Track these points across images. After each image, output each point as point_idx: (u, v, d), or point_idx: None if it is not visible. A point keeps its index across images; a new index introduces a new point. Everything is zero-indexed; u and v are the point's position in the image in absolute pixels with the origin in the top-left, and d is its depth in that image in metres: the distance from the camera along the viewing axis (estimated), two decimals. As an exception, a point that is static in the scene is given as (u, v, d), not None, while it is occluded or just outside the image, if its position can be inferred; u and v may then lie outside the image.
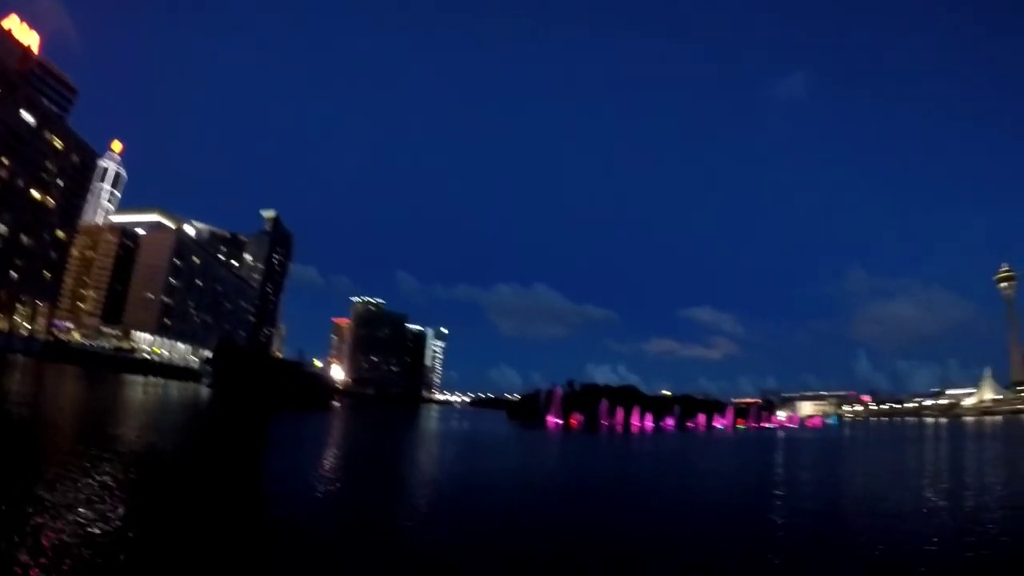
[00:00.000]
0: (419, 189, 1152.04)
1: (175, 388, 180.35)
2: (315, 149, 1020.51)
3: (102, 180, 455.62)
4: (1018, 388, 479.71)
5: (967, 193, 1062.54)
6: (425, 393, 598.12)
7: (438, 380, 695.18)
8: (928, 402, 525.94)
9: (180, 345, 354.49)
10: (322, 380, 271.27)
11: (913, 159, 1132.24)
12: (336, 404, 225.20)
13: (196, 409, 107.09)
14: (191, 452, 46.45)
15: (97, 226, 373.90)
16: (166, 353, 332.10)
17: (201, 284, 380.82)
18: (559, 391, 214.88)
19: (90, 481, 27.81)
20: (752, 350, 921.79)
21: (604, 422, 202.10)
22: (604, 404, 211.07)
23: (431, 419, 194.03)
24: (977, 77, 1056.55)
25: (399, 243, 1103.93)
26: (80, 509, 22.52)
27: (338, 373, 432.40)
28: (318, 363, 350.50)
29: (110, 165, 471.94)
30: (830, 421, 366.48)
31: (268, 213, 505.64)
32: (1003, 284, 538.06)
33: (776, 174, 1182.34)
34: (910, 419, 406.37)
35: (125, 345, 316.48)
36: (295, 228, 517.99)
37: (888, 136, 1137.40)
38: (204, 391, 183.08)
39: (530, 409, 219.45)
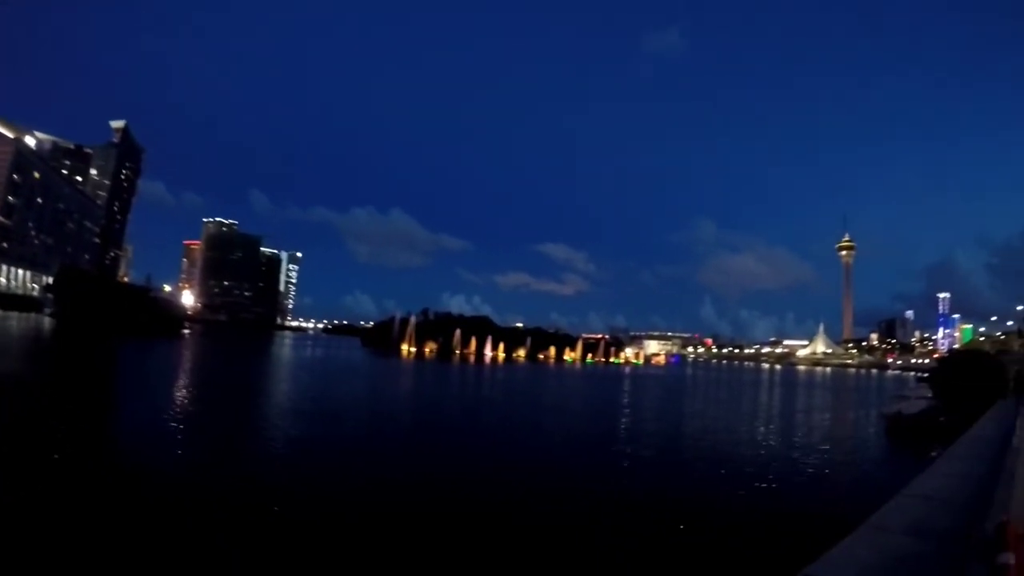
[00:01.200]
0: (274, 105, 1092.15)
1: (14, 320, 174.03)
2: (169, 58, 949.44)
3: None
4: (847, 344, 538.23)
5: (818, 165, 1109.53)
6: (279, 319, 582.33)
7: (292, 306, 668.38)
8: (766, 349, 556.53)
9: (19, 272, 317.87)
10: (171, 306, 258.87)
11: (775, 126, 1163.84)
12: (187, 331, 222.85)
13: (37, 343, 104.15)
14: (28, 394, 43.55)
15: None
16: (3, 280, 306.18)
17: (42, 202, 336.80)
18: (413, 319, 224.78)
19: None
20: (603, 288, 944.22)
21: (457, 351, 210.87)
22: (458, 334, 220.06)
23: (285, 346, 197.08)
24: (849, 49, 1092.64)
25: (253, 160, 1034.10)
26: None
27: (188, 299, 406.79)
28: (167, 288, 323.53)
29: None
30: (673, 360, 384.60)
31: (117, 124, 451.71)
32: (843, 252, 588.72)
33: (642, 122, 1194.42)
34: (749, 364, 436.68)
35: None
36: (144, 141, 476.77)
37: (754, 100, 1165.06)
38: (46, 321, 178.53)
39: (384, 337, 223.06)
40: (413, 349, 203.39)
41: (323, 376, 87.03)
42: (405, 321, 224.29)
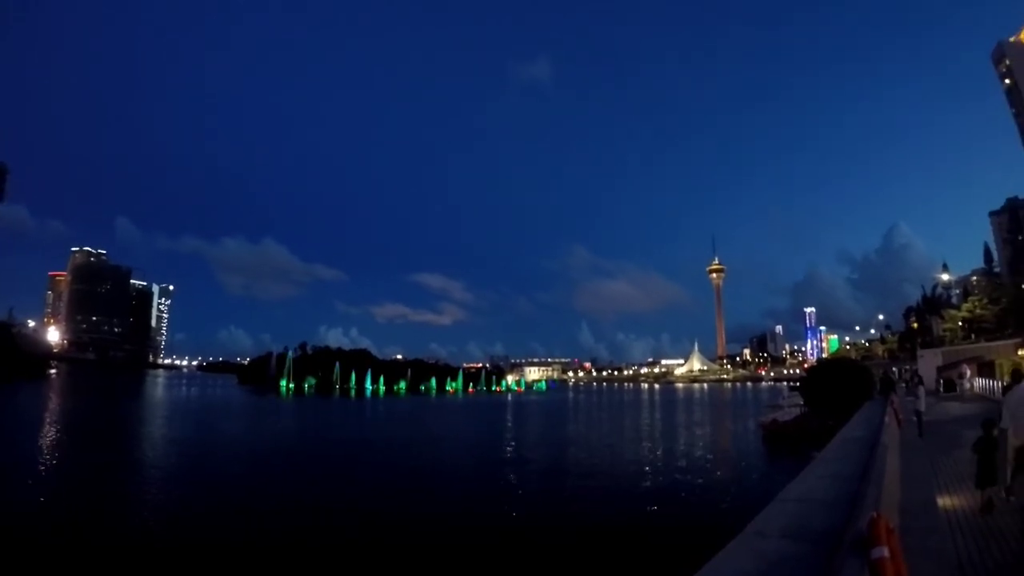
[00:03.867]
0: (140, 127, 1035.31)
1: None
2: (30, 71, 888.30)
3: None
4: (722, 360, 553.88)
5: (686, 190, 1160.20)
6: (151, 357, 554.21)
7: (164, 342, 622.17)
8: (644, 370, 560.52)
9: None
10: (35, 344, 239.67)
11: (642, 152, 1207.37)
12: (52, 372, 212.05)
13: None
14: None
15: None
16: None
17: None
18: (291, 354, 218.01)
19: None
20: (481, 317, 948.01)
21: (338, 386, 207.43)
22: (337, 367, 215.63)
23: (158, 386, 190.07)
24: (711, 75, 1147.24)
25: (120, 185, 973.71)
26: None
27: (54, 336, 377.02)
28: (31, 324, 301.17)
29: None
30: (552, 385, 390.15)
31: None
32: (713, 275, 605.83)
33: (513, 152, 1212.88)
34: (628, 385, 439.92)
35: None
36: (6, 160, 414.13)
37: (621, 127, 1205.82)
38: None
39: (262, 373, 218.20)
40: (292, 385, 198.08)
41: (198, 418, 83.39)
42: (282, 357, 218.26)
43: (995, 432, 12.36)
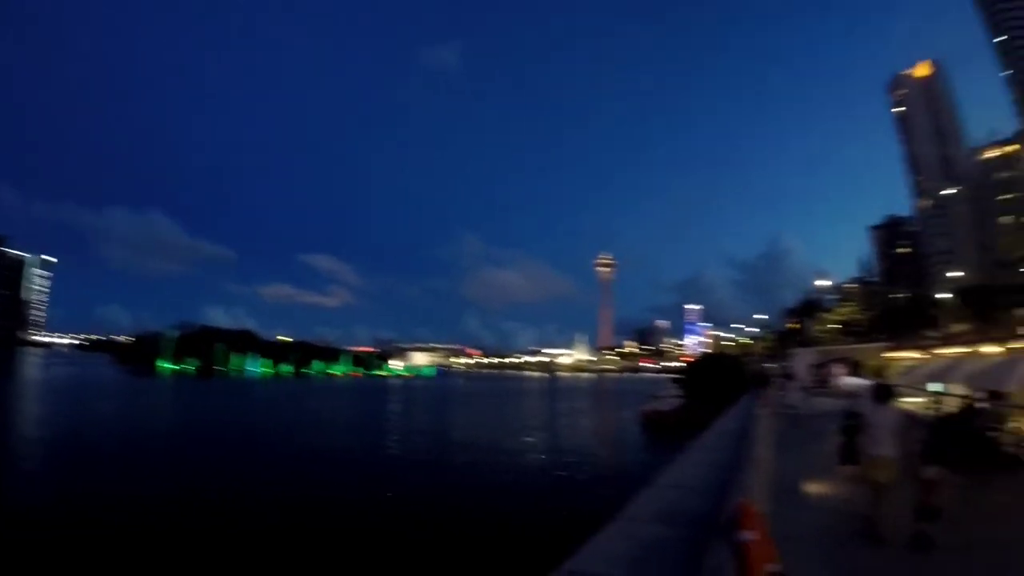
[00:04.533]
0: (20, 84, 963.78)
1: None
2: None
3: None
4: (604, 352, 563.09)
5: (580, 187, 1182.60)
6: (23, 334, 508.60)
7: (42, 318, 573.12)
8: (530, 358, 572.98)
9: None
10: None
11: (541, 147, 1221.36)
12: None
13: None
14: None
15: None
16: None
17: None
18: (174, 334, 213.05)
19: None
20: (369, 301, 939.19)
21: (221, 367, 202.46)
22: (221, 348, 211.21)
23: (31, 366, 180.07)
24: (611, 79, 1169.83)
25: None
26: None
27: None
28: None
29: None
30: (440, 371, 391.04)
31: None
32: (601, 269, 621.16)
33: (409, 137, 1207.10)
34: (514, 373, 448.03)
35: None
36: None
37: (520, 121, 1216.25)
38: None
39: (142, 353, 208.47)
40: (173, 366, 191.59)
41: (66, 400, 78.54)
42: (164, 336, 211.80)
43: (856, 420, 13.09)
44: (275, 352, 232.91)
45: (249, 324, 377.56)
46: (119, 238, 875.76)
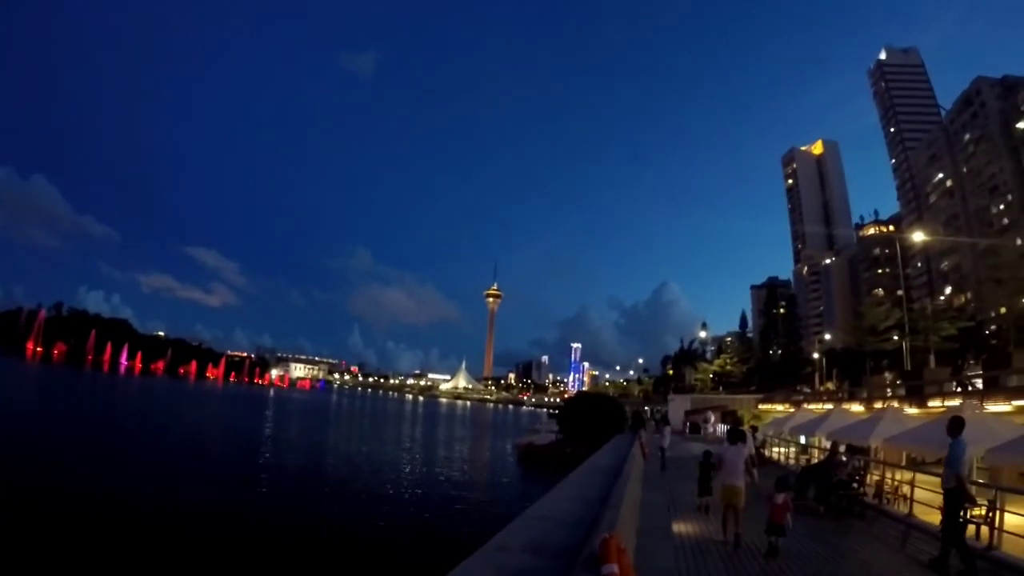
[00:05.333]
0: None
1: None
2: None
3: None
4: (487, 381, 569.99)
5: (474, 215, 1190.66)
6: None
7: None
8: (411, 381, 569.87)
9: None
10: None
11: (441, 171, 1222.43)
12: None
13: None
14: None
15: None
16: None
17: None
18: (43, 314, 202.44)
19: None
20: (252, 304, 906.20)
21: (91, 357, 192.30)
22: (93, 336, 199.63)
23: None
24: (516, 115, 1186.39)
25: None
26: None
27: None
28: None
29: None
30: (319, 385, 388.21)
31: None
32: (490, 299, 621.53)
33: (314, 142, 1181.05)
34: (393, 394, 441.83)
35: None
36: None
37: (428, 141, 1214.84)
38: None
39: (8, 332, 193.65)
40: (40, 349, 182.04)
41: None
42: (34, 315, 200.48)
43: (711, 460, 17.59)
44: (150, 347, 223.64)
45: (126, 313, 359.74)
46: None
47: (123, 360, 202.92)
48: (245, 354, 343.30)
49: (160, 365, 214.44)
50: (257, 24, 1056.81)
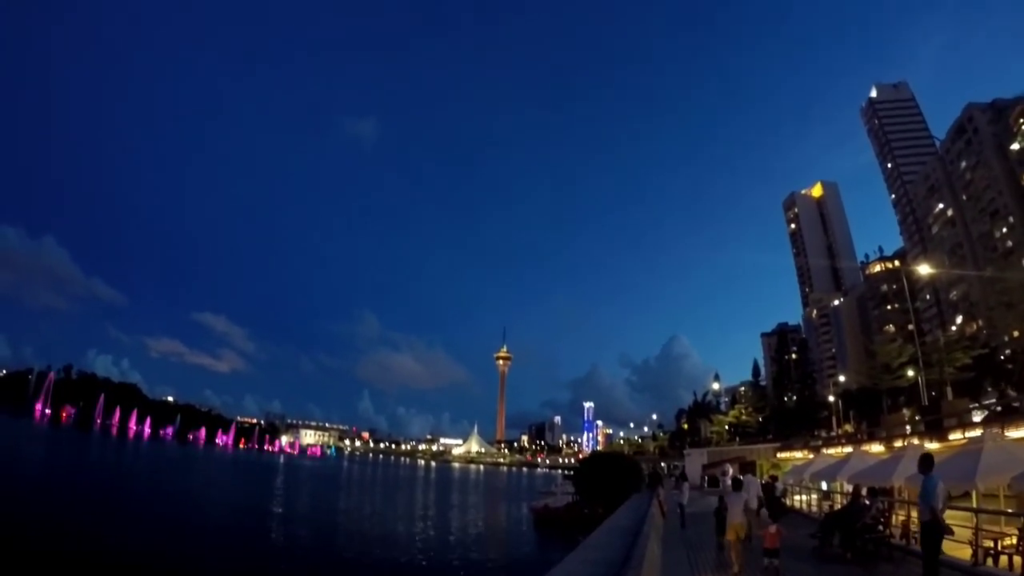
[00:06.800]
0: None
1: None
2: None
3: None
4: (500, 444, 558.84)
5: (482, 278, 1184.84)
6: None
7: None
8: (422, 446, 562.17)
9: None
10: None
11: (448, 234, 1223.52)
12: None
13: None
14: None
15: None
16: None
17: None
18: (52, 377, 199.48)
19: None
20: (261, 370, 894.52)
21: (100, 421, 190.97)
22: (102, 400, 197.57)
23: None
24: (523, 175, 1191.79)
25: None
26: None
27: None
28: None
29: None
30: (330, 452, 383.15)
31: None
32: (500, 362, 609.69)
33: (318, 207, 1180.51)
34: (405, 459, 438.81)
35: None
36: None
37: (432, 206, 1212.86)
38: None
39: (16, 393, 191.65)
40: (48, 411, 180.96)
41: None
42: (44, 376, 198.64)
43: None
44: (159, 411, 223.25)
45: (135, 378, 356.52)
46: (6, 260, 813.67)
47: (132, 425, 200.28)
48: (255, 420, 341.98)
49: (169, 430, 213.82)
50: (261, 89, 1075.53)
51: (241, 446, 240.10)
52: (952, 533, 14.41)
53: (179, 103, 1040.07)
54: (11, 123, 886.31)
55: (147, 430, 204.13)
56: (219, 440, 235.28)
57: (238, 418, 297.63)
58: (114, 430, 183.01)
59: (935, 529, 12.90)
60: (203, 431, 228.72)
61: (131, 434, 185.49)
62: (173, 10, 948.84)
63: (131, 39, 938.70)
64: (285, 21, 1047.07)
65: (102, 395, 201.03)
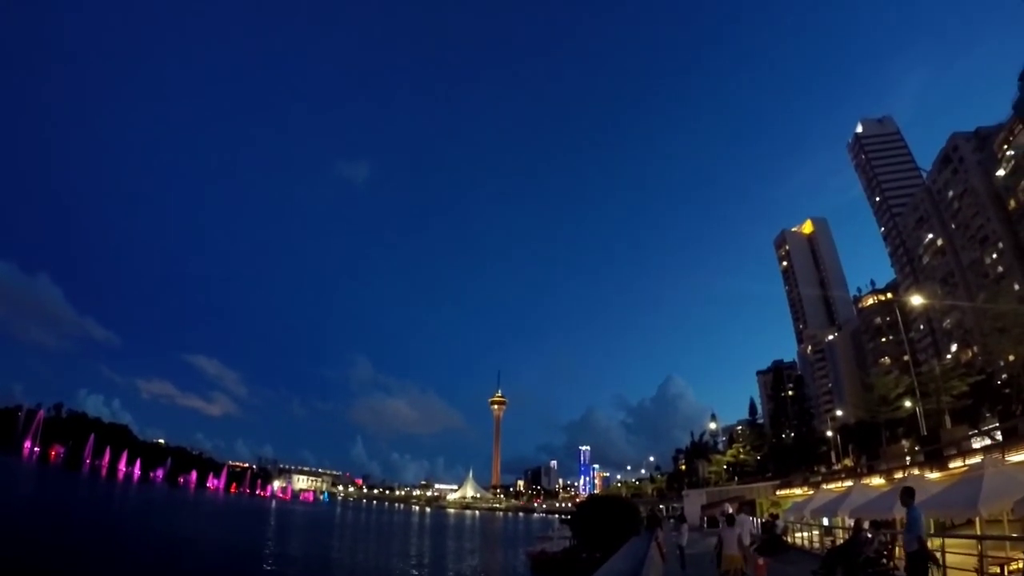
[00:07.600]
0: None
1: None
2: None
3: None
4: (496, 489, 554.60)
5: (476, 323, 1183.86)
6: None
7: None
8: (417, 492, 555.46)
9: None
10: None
11: (444, 279, 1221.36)
12: None
13: None
14: None
15: None
16: None
17: None
18: (42, 415, 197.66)
19: None
20: (252, 413, 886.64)
21: (89, 460, 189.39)
22: (92, 440, 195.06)
23: None
24: (517, 220, 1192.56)
25: None
26: None
27: None
28: None
29: None
30: (323, 497, 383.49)
31: None
32: (495, 406, 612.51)
33: (311, 250, 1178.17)
34: (399, 505, 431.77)
35: None
36: None
37: (428, 252, 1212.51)
38: None
39: (5, 430, 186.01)
40: (37, 450, 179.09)
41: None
42: (33, 414, 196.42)
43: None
44: (149, 454, 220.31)
45: (126, 419, 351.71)
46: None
47: (122, 466, 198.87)
48: (246, 464, 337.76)
49: (160, 473, 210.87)
50: (257, 134, 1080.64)
51: (232, 491, 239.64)
52: (938, 563, 15.27)
53: (175, 147, 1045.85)
54: (8, 159, 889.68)
55: (137, 472, 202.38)
56: (210, 484, 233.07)
57: (230, 462, 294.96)
58: (103, 471, 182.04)
59: (923, 558, 13.63)
60: (194, 474, 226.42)
61: (121, 475, 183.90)
62: (168, 55, 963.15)
63: (127, 81, 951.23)
64: (279, 68, 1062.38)
65: (92, 435, 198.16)
